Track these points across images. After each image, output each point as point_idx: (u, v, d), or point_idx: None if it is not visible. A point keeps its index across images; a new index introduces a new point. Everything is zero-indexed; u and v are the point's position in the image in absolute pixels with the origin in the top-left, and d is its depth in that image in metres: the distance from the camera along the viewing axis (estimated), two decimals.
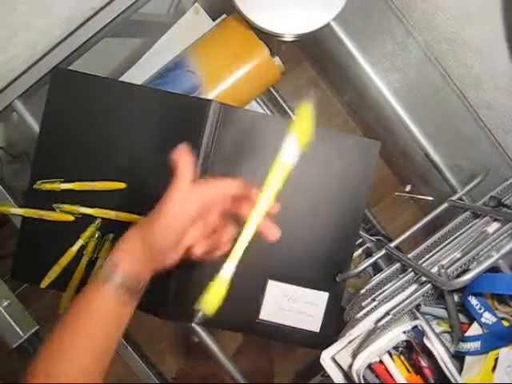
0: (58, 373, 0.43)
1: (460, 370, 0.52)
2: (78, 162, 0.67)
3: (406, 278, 0.58)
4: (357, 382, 0.54)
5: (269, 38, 0.67)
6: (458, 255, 0.55)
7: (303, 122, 0.47)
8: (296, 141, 0.46)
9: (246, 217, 0.47)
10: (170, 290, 0.67)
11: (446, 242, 0.61)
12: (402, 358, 0.56)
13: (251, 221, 0.46)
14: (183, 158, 0.48)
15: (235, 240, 0.47)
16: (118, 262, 0.46)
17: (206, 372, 0.93)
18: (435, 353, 0.52)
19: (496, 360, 0.50)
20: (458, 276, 0.50)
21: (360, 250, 0.79)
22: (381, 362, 0.55)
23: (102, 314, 0.46)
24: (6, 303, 0.67)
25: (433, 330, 0.55)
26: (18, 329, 0.67)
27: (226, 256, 0.46)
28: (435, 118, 0.73)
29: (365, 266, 0.64)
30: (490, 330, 0.51)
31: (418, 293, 0.54)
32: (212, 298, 0.45)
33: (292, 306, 0.68)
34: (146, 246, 0.47)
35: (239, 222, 0.49)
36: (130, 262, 0.47)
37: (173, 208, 0.46)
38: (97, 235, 0.67)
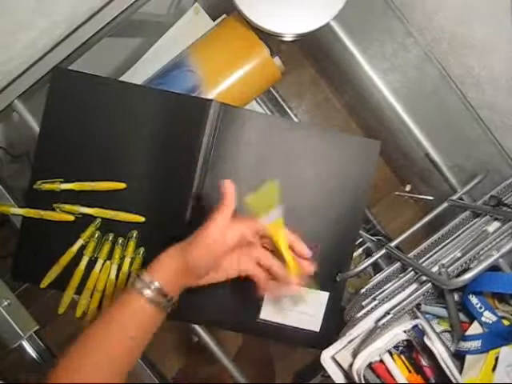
0: (90, 363, 0.46)
1: (460, 369, 0.52)
2: (78, 162, 0.67)
3: (406, 278, 0.58)
4: (357, 381, 0.55)
5: (269, 38, 0.67)
6: (459, 254, 0.55)
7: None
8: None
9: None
10: None
11: (447, 241, 0.61)
12: (403, 357, 0.56)
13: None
14: (230, 195, 0.52)
15: None
16: (153, 275, 0.49)
17: (206, 372, 0.93)
18: (436, 352, 0.52)
19: (496, 359, 0.50)
20: (459, 275, 0.50)
21: (360, 250, 0.79)
22: (381, 361, 0.55)
23: (133, 322, 0.49)
24: (5, 303, 0.67)
25: (433, 329, 0.55)
26: (17, 329, 0.67)
27: None
28: (435, 118, 0.73)
29: (365, 265, 0.64)
30: (491, 329, 0.51)
31: (419, 292, 0.54)
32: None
33: (292, 305, 0.68)
34: (182, 265, 0.50)
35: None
36: (164, 277, 0.50)
37: (212, 235, 0.50)
38: (97, 235, 0.67)
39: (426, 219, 0.66)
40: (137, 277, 0.50)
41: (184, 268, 0.50)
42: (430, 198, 0.76)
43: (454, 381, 0.51)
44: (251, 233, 0.52)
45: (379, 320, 0.54)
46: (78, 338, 0.48)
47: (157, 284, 0.49)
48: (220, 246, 0.50)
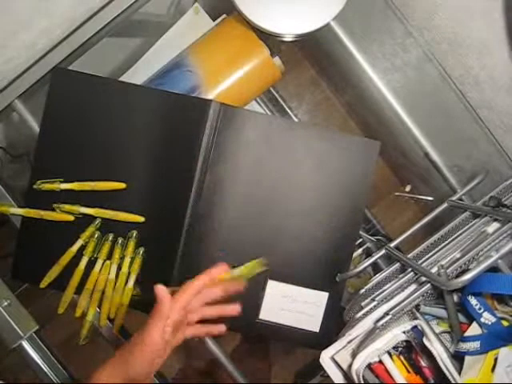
0: None
1: (460, 370, 0.52)
2: (78, 162, 0.67)
3: (405, 278, 0.58)
4: (356, 381, 0.55)
5: (269, 38, 0.67)
6: (458, 255, 0.55)
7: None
8: None
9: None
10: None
11: (446, 242, 0.61)
12: (402, 358, 0.56)
13: None
14: (163, 299, 0.50)
15: None
16: None
17: (206, 372, 0.93)
18: (435, 353, 0.52)
19: (495, 360, 0.50)
20: (458, 276, 0.50)
21: (360, 250, 0.79)
22: (380, 361, 0.55)
23: None
24: (5, 303, 0.67)
25: (432, 330, 0.55)
26: (17, 329, 0.67)
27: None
28: (435, 117, 0.73)
29: (364, 265, 0.64)
30: (490, 330, 0.51)
31: (418, 293, 0.54)
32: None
33: (292, 306, 0.68)
34: (123, 378, 0.49)
35: None
36: None
37: (150, 346, 0.49)
38: (97, 235, 0.67)
39: (426, 220, 0.66)
40: None
41: (126, 380, 0.49)
42: (430, 198, 0.76)
43: (452, 381, 0.51)
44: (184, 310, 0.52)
45: (378, 321, 0.54)
46: None
47: None
48: (161, 349, 0.50)
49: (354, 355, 0.57)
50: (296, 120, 0.88)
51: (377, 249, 0.76)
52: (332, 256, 0.68)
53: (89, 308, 0.67)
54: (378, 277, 0.62)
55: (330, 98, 0.92)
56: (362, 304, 0.60)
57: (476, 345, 0.51)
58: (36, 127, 0.69)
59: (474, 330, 0.53)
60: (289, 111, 0.86)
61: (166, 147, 0.66)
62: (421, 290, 0.54)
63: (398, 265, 0.62)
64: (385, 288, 0.60)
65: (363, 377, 0.55)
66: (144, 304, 0.68)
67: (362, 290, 0.62)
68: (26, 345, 0.68)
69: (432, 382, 0.54)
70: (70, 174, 0.66)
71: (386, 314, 0.55)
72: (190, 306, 0.53)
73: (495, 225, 0.56)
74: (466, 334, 0.53)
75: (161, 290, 0.50)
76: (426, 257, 0.60)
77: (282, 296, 0.68)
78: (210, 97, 0.67)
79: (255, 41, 0.67)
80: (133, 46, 0.82)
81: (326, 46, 0.76)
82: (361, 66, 0.72)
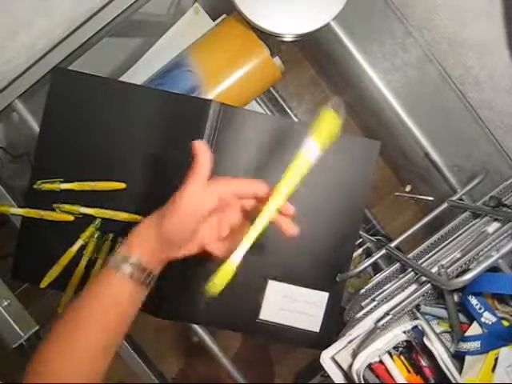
0: (79, 337, 0.45)
1: (460, 370, 0.52)
2: (78, 162, 0.67)
3: (405, 278, 0.58)
4: (357, 382, 0.55)
5: (269, 38, 0.67)
6: (458, 255, 0.55)
7: (324, 126, 0.50)
8: (315, 142, 0.49)
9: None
10: (170, 288, 0.67)
11: (446, 241, 0.61)
12: (402, 357, 0.56)
13: (264, 212, 0.47)
14: (203, 154, 0.47)
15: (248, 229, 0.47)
16: (130, 249, 0.47)
17: (206, 372, 0.93)
18: (435, 353, 0.52)
19: (496, 360, 0.50)
20: (458, 276, 0.50)
21: (360, 250, 0.79)
22: (381, 361, 0.55)
23: (111, 301, 0.47)
24: (5, 303, 0.67)
25: (433, 329, 0.55)
26: (17, 329, 0.67)
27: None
28: (435, 118, 0.73)
29: (365, 265, 0.64)
30: (490, 330, 0.51)
31: (418, 293, 0.54)
32: (218, 281, 0.45)
33: (292, 306, 0.68)
34: (158, 237, 0.47)
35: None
36: (141, 251, 0.47)
37: (187, 204, 0.46)
38: (97, 235, 0.67)
39: (426, 220, 0.66)
40: (115, 254, 0.47)
41: (160, 243, 0.48)
42: (430, 198, 0.76)
43: (453, 381, 0.51)
44: (230, 195, 0.48)
45: (379, 321, 0.55)
46: (64, 313, 0.47)
47: (134, 258, 0.46)
48: (195, 217, 0.47)
49: (354, 355, 0.57)
50: (296, 120, 0.88)
51: (377, 249, 0.76)
52: (332, 256, 0.68)
53: None
54: (379, 277, 0.62)
55: (330, 98, 0.92)
56: (363, 304, 0.60)
57: (476, 345, 0.51)
58: (36, 127, 0.69)
59: (474, 329, 0.53)
60: (289, 111, 0.86)
61: (166, 147, 0.66)
62: (421, 290, 0.54)
63: (398, 265, 0.62)
64: (385, 288, 0.60)
65: (364, 377, 0.55)
66: (144, 304, 0.68)
67: (363, 290, 0.62)
68: (26, 345, 0.68)
69: (432, 381, 0.54)
70: (70, 174, 0.66)
71: (387, 313, 0.55)
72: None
73: (495, 225, 0.56)
74: (467, 333, 0.53)
75: (200, 144, 0.47)
76: (426, 257, 0.60)
77: (282, 296, 0.68)
78: (210, 97, 0.67)
79: (255, 41, 0.67)
80: (133, 45, 0.82)
81: (325, 46, 0.76)
82: (361, 65, 0.72)
